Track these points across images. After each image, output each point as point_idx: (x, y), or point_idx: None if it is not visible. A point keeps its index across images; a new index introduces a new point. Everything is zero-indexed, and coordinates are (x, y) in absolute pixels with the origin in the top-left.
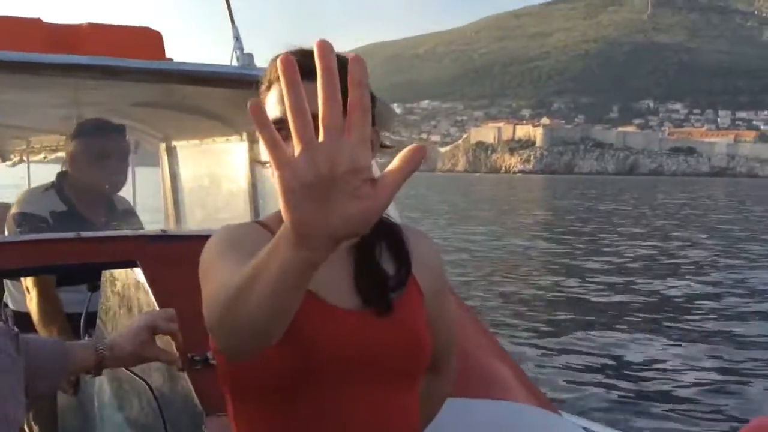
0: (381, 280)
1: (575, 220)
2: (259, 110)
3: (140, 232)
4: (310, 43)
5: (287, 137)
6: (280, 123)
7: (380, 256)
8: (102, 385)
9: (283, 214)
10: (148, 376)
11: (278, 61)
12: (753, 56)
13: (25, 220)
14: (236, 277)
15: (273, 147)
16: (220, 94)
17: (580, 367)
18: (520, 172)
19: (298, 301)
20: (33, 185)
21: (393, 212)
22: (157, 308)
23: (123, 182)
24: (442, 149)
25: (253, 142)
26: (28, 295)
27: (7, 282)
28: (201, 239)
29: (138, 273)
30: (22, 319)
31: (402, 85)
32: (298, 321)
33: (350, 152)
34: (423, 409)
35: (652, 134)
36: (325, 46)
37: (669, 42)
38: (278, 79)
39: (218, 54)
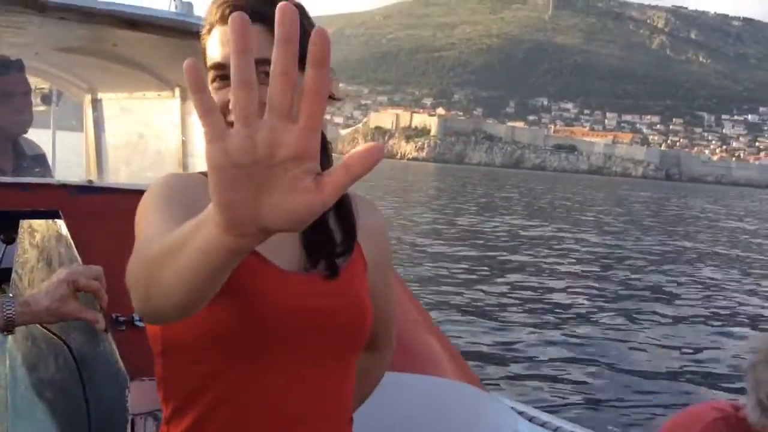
0: (328, 244)
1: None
2: (196, 72)
3: (65, 180)
4: None
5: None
6: (221, 68)
7: (328, 221)
8: (13, 345)
9: (210, 193)
10: (66, 335)
11: (230, 19)
12: (642, 62)
13: None
14: (162, 239)
15: (207, 115)
16: (153, 43)
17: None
18: (414, 159)
19: (218, 285)
20: None
21: None
22: (81, 264)
23: (29, 122)
24: (344, 131)
25: (185, 98)
26: None
27: None
28: (130, 193)
29: (60, 225)
30: None
31: None
32: (242, 280)
33: (296, 138)
34: (360, 387)
35: (539, 131)
36: (288, 11)
37: (566, 43)
38: (219, 21)
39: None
